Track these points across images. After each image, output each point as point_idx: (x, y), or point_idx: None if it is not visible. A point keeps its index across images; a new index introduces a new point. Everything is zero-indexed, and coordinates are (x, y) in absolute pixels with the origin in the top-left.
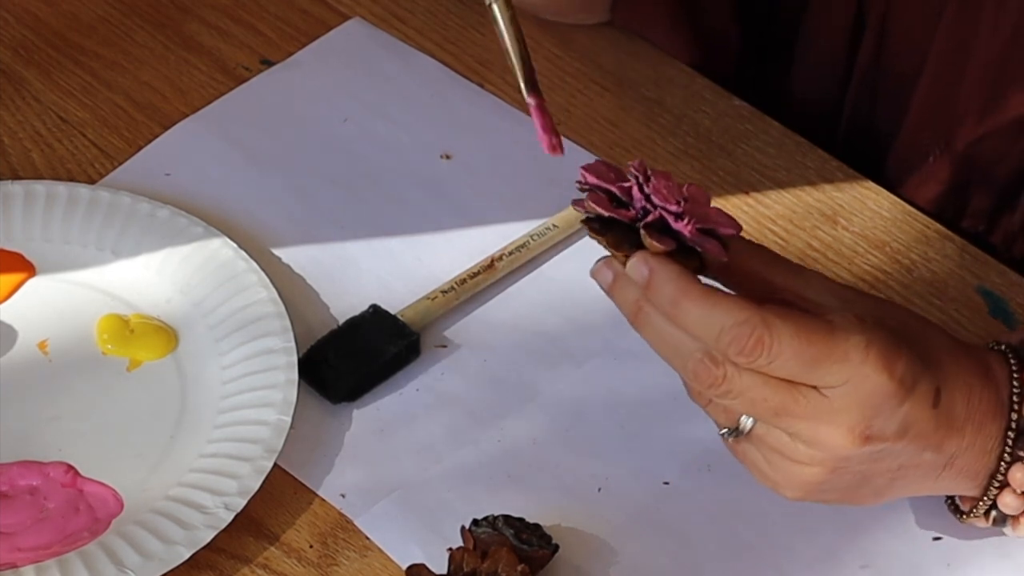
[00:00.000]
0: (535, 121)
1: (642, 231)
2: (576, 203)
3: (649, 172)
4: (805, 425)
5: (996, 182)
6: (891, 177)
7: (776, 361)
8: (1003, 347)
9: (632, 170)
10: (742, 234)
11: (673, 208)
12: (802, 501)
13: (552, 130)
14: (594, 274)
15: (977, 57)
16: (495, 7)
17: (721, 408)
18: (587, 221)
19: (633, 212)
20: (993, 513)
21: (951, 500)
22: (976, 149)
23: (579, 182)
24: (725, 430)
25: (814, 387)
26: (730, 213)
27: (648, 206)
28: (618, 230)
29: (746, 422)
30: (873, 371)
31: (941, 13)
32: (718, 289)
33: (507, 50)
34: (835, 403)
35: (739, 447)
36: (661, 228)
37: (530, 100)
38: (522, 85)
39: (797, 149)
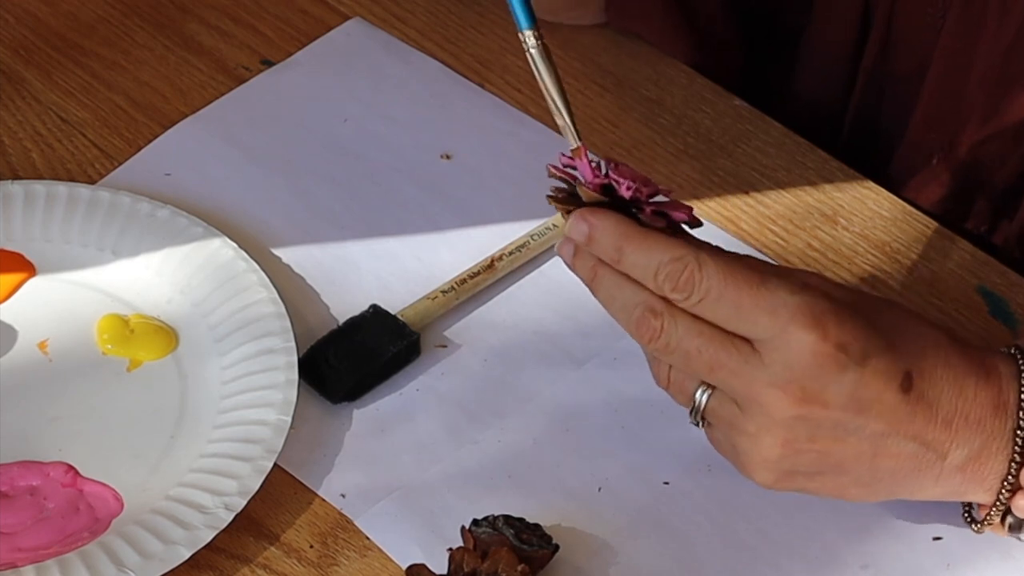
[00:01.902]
0: (583, 164)
1: (578, 187)
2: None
3: (616, 162)
4: (739, 383)
5: (999, 184)
6: (894, 179)
7: (706, 299)
8: (1012, 349)
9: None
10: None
11: (624, 181)
12: (781, 489)
13: (594, 170)
14: (559, 249)
15: (981, 59)
16: (533, 52)
17: (678, 386)
18: (552, 194)
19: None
20: (1009, 519)
21: (967, 511)
22: (980, 151)
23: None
24: (695, 420)
25: (747, 341)
26: (729, 213)
27: (602, 179)
28: (573, 199)
29: (700, 398)
30: (799, 329)
31: (945, 15)
32: (658, 232)
33: (550, 99)
34: (765, 358)
35: (713, 437)
36: (605, 192)
37: (579, 146)
38: (570, 132)
39: (797, 149)
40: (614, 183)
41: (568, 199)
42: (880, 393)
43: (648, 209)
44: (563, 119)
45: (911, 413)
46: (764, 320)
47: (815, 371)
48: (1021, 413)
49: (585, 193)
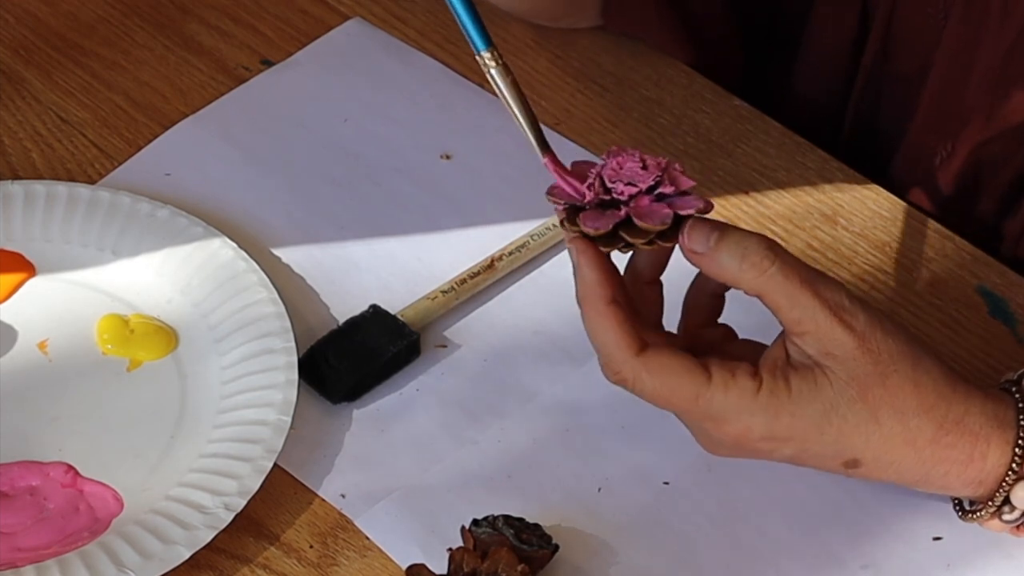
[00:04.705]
0: (555, 175)
1: (579, 220)
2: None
3: (622, 157)
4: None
5: (1002, 183)
6: (896, 179)
7: (641, 397)
8: (1012, 385)
9: (604, 157)
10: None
11: (621, 188)
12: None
13: (571, 178)
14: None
15: (983, 58)
16: (493, 73)
17: None
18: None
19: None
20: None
21: (957, 500)
22: (982, 151)
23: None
24: None
25: None
26: (729, 213)
27: (600, 190)
28: (575, 215)
29: None
30: (724, 449)
31: (947, 15)
32: (624, 306)
33: (515, 116)
34: (693, 430)
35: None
36: (605, 205)
37: (545, 160)
38: (535, 147)
39: (797, 149)
40: (608, 190)
41: (572, 217)
42: (822, 464)
43: (645, 203)
44: (530, 137)
45: (856, 476)
46: (695, 427)
47: (736, 450)
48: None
49: (570, 228)
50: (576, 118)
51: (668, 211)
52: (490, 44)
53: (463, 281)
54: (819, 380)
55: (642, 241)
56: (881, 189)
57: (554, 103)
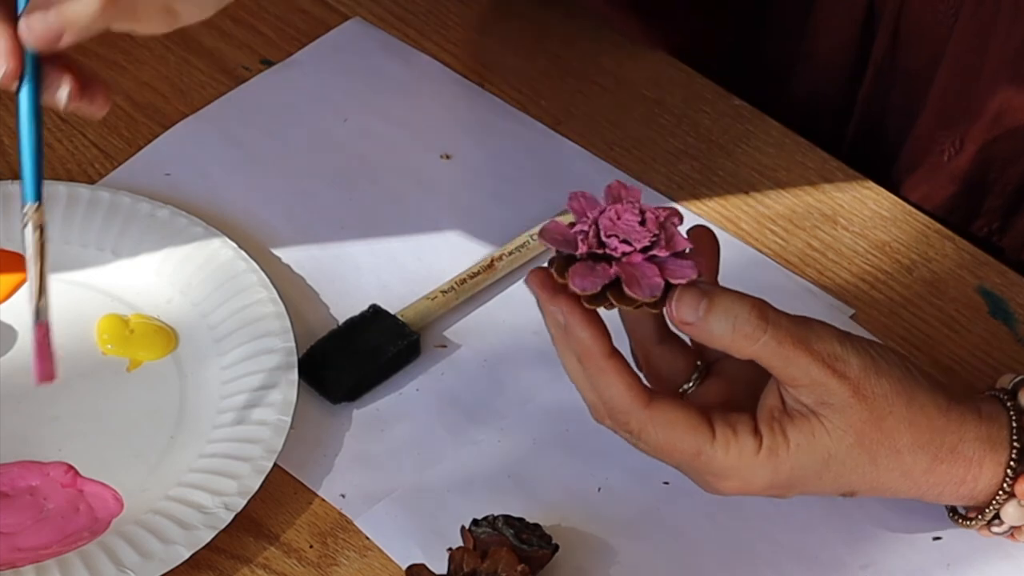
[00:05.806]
0: (35, 348)
1: (563, 269)
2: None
3: (621, 206)
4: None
5: (1009, 182)
6: (903, 176)
7: (645, 449)
8: (1006, 396)
9: (607, 199)
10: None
11: (616, 244)
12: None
13: (49, 359)
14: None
15: (993, 56)
16: (29, 228)
17: None
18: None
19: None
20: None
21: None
22: (991, 148)
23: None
24: None
25: None
26: (729, 213)
27: (594, 243)
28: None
29: None
30: (728, 491)
31: (958, 12)
32: (620, 357)
33: (30, 276)
34: (693, 477)
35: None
36: (598, 258)
37: (37, 328)
38: (34, 311)
39: (797, 149)
40: (603, 243)
41: (563, 268)
42: (819, 494)
43: (637, 260)
44: (35, 300)
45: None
46: (694, 476)
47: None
48: (1010, 466)
49: (572, 282)
50: (576, 118)
51: (659, 281)
52: (38, 199)
53: (463, 281)
54: (816, 431)
55: (629, 307)
56: (881, 189)
57: (554, 103)
